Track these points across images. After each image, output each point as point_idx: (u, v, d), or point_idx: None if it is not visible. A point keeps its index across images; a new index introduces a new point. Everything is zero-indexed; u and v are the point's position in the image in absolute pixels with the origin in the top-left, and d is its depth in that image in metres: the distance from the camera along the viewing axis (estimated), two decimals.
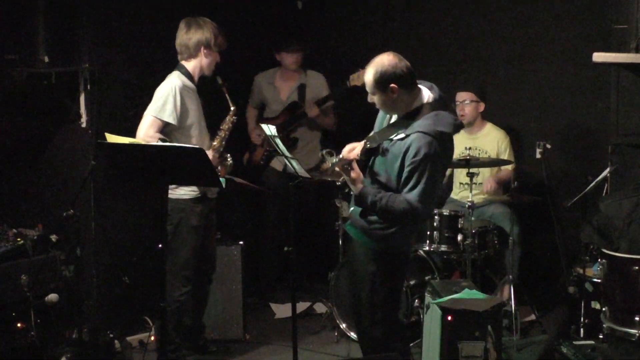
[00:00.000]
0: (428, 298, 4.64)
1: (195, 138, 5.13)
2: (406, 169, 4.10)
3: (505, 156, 6.09)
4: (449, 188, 6.28)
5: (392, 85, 4.11)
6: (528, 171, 6.29)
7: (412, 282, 5.48)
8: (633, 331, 4.65)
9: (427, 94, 4.21)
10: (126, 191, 5.72)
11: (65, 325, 5.12)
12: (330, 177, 4.68)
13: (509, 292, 5.59)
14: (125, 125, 5.39)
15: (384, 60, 4.13)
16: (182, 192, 5.11)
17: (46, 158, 5.61)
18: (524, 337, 5.61)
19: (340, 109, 6.64)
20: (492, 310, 4.28)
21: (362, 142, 4.25)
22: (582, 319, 5.34)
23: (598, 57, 5.28)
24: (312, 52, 6.71)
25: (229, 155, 5.19)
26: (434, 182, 4.14)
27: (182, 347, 5.31)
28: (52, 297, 4.96)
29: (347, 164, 4.17)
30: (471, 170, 5.62)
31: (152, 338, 5.46)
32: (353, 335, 5.62)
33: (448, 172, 6.04)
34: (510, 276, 5.65)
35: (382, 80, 4.11)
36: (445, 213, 5.62)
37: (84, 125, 5.56)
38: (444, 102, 4.27)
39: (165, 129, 5.03)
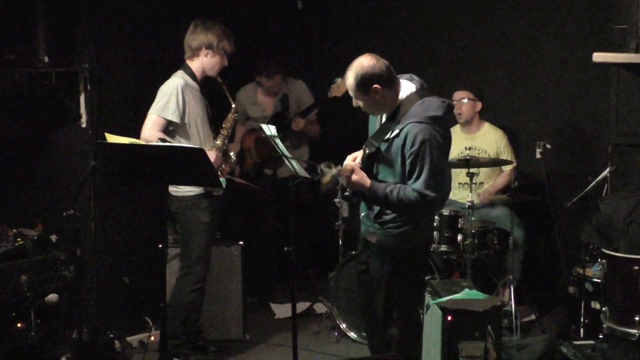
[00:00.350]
0: (428, 298, 4.63)
1: (198, 137, 5.14)
2: (408, 161, 4.10)
3: (505, 156, 6.09)
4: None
5: (375, 85, 4.12)
6: (528, 171, 6.29)
7: None
8: (633, 331, 4.64)
9: (409, 86, 4.22)
10: (126, 191, 5.74)
11: (65, 325, 5.11)
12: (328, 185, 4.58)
13: (509, 294, 5.59)
14: (125, 125, 5.40)
15: (363, 63, 4.13)
16: (187, 190, 5.13)
17: (46, 158, 5.61)
18: (524, 337, 5.60)
19: (326, 119, 6.61)
20: (492, 310, 4.27)
21: (361, 150, 4.27)
22: (582, 319, 5.33)
23: (598, 57, 5.27)
24: (293, 63, 6.64)
25: (232, 153, 5.21)
26: (439, 167, 4.12)
27: (186, 344, 5.32)
28: (52, 297, 4.95)
29: (349, 172, 4.17)
30: (471, 170, 5.63)
31: (152, 338, 5.46)
32: (353, 335, 5.62)
33: None
34: (511, 276, 5.65)
35: (364, 83, 4.12)
36: (445, 213, 5.62)
37: (84, 125, 5.56)
38: (426, 89, 4.27)
39: (168, 128, 5.06)
